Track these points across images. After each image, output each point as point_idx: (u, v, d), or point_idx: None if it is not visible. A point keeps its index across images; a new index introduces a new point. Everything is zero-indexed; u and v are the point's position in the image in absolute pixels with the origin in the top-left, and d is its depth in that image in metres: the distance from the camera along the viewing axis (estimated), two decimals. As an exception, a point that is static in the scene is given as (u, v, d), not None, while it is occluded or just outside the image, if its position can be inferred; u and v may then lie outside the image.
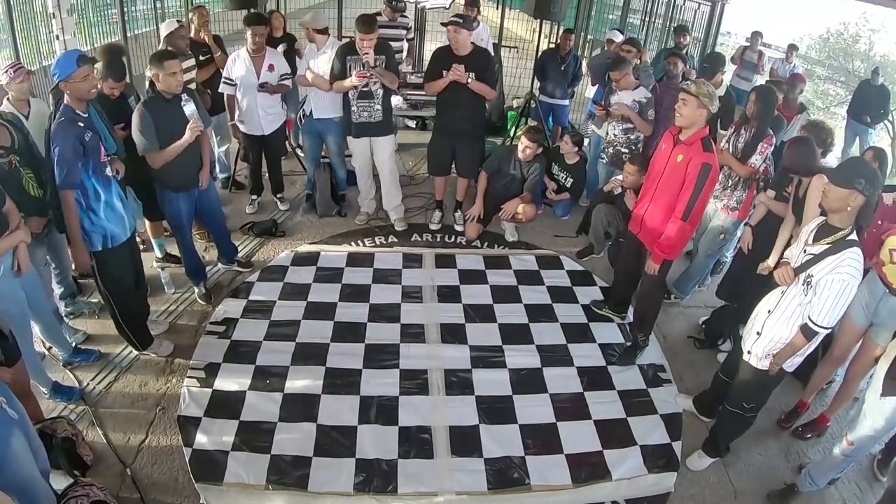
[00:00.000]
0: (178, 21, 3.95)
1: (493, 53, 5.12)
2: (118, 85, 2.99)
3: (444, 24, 3.61)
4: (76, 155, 2.36)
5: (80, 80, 2.38)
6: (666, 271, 3.02)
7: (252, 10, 4.28)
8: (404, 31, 5.06)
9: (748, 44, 6.75)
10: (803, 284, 2.09)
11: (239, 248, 3.81)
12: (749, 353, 2.34)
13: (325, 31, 3.89)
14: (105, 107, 2.78)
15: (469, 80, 3.62)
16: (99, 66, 2.87)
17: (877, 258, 2.53)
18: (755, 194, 3.20)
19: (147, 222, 3.51)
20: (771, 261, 2.63)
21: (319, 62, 3.81)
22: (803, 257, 2.14)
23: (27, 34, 5.28)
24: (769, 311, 2.26)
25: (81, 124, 2.39)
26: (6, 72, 2.75)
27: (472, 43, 3.71)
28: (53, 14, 5.36)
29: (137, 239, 3.47)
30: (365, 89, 3.68)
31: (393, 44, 5.00)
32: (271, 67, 3.85)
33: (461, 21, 3.55)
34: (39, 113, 2.86)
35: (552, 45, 5.62)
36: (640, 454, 2.63)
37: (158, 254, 3.60)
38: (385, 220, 4.30)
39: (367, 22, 3.48)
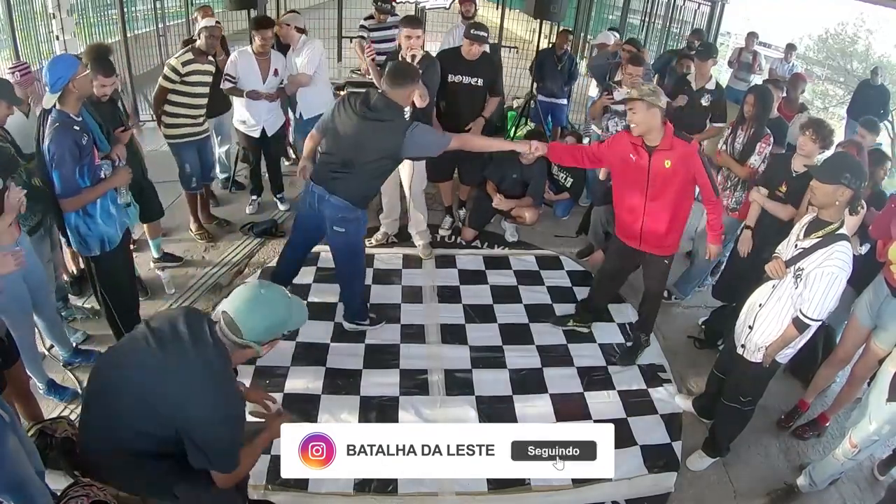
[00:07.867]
0: (217, 22, 3.77)
1: (493, 54, 5.13)
2: (108, 81, 2.80)
3: (467, 37, 3.52)
4: (74, 160, 2.29)
5: (84, 77, 2.33)
6: (666, 272, 3.01)
7: (260, 15, 4.26)
8: (398, 31, 5.04)
9: (744, 45, 6.76)
10: (794, 277, 2.12)
11: (239, 248, 3.80)
12: (742, 346, 2.34)
13: (302, 31, 3.98)
14: (98, 112, 2.69)
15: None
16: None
17: (885, 258, 2.52)
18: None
19: (144, 225, 3.47)
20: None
21: (298, 61, 3.84)
22: (794, 251, 2.16)
23: (27, 34, 5.27)
24: (760, 305, 2.27)
25: (77, 128, 2.31)
26: (12, 73, 2.73)
27: None
28: (53, 14, 5.35)
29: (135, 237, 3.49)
30: None
31: (385, 45, 5.01)
32: (276, 72, 3.83)
33: (485, 37, 3.54)
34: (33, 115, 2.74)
35: (549, 45, 5.63)
36: (640, 454, 2.63)
37: (155, 254, 3.57)
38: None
39: (412, 19, 3.30)
